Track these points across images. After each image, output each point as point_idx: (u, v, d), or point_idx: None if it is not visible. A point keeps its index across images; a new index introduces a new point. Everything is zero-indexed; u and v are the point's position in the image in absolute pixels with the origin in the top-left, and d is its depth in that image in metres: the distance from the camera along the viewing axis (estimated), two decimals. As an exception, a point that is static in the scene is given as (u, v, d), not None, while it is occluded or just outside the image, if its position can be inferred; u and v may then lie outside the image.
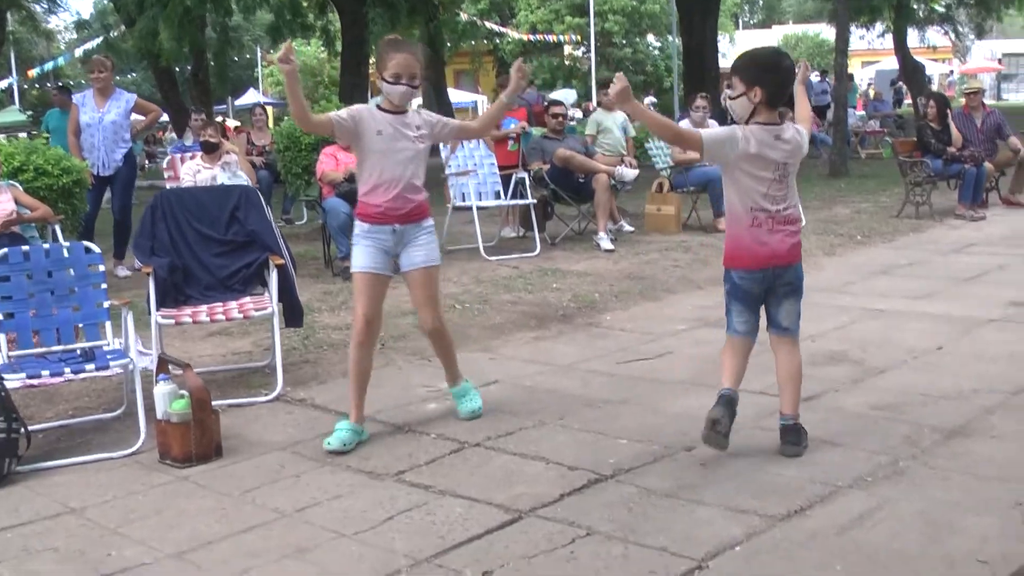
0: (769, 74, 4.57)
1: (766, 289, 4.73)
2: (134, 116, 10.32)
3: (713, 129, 5.04)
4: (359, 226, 5.18)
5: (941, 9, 29.90)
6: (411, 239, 5.23)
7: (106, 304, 5.74)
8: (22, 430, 4.90)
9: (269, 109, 32.39)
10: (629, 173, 11.06)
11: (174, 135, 30.94)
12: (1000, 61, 52.27)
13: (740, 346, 4.82)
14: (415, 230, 5.24)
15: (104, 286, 5.79)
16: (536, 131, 11.65)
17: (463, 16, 31.81)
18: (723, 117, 13.24)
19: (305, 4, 22.33)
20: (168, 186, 9.97)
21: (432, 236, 5.30)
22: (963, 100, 14.04)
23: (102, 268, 5.86)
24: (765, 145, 4.53)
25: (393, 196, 5.12)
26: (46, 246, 5.87)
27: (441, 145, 11.62)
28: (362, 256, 5.15)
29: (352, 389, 5.18)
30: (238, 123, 24.96)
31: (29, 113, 36.86)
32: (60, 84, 19.10)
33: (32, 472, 4.91)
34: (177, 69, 25.70)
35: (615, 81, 4.54)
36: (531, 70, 41.27)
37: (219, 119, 17.62)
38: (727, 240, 4.78)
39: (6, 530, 4.26)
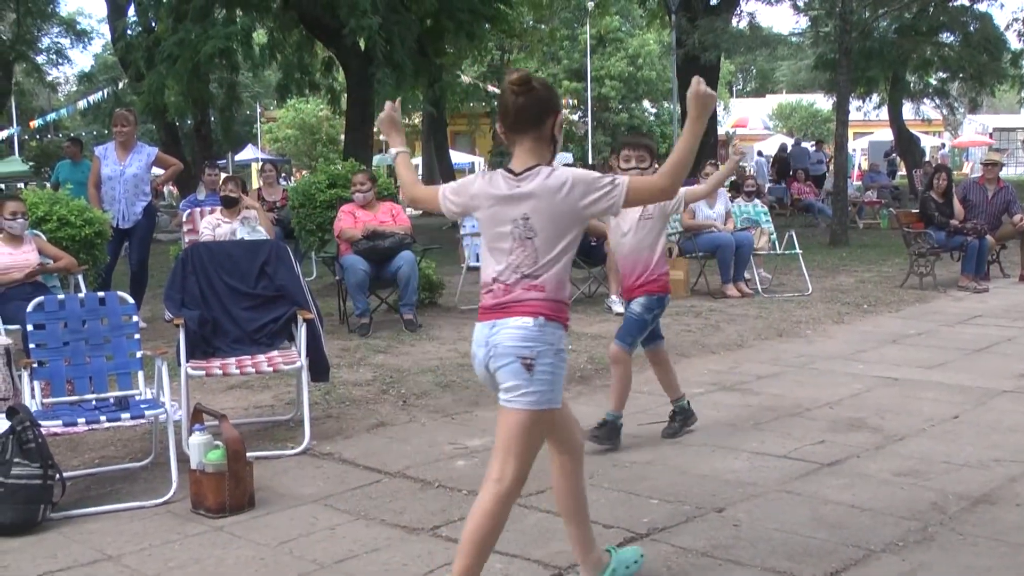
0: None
1: None
2: (154, 169, 10.44)
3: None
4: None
5: (935, 83, 30.28)
6: None
7: (139, 354, 5.81)
8: (57, 477, 4.95)
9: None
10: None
11: (173, 189, 31.16)
12: (991, 135, 52.86)
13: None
14: None
15: (137, 336, 5.87)
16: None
17: (465, 79, 32.14)
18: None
19: (311, 63, 22.61)
20: (187, 239, 10.05)
21: None
22: (980, 170, 14.26)
23: (136, 319, 5.94)
24: None
25: None
26: (81, 295, 5.95)
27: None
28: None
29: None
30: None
31: (31, 164, 37.02)
32: (72, 136, 19.27)
33: (65, 519, 4.95)
34: (178, 123, 25.92)
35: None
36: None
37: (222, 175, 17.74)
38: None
39: (46, 575, 4.29)
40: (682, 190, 5.94)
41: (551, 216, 3.53)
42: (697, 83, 3.65)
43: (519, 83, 3.56)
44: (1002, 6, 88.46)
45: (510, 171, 3.60)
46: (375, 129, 22.92)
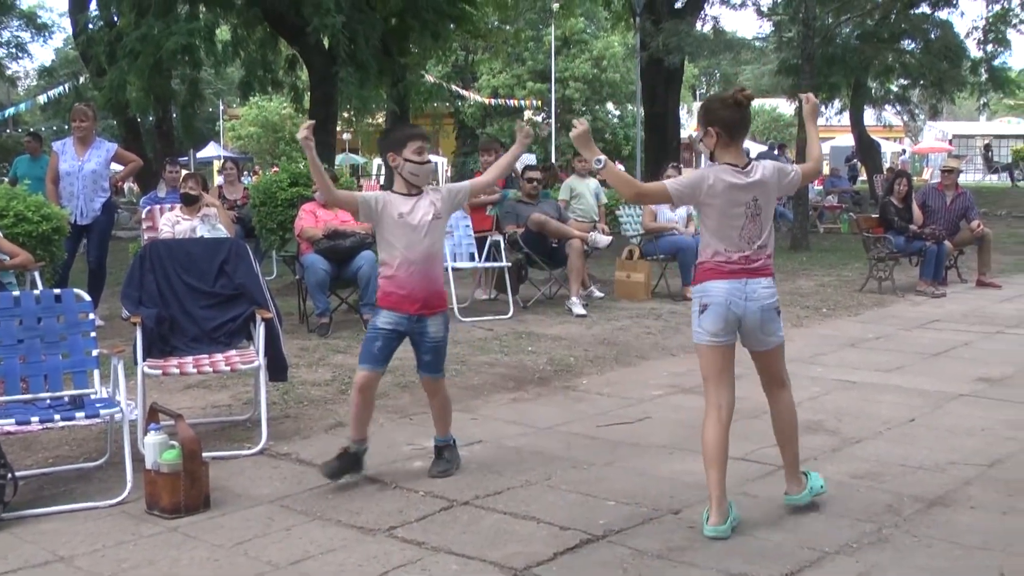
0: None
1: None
2: (113, 165, 10.34)
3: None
4: None
5: (896, 89, 30.52)
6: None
7: (95, 352, 5.75)
8: (9, 476, 4.89)
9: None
10: (603, 239, 11.23)
11: (134, 186, 30.87)
12: (951, 142, 53.37)
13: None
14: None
15: (93, 334, 5.81)
16: (511, 194, 11.79)
17: (429, 78, 32.06)
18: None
19: (274, 60, 22.48)
20: (146, 237, 9.97)
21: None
22: (938, 175, 14.40)
23: (92, 316, 5.88)
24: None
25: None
26: (37, 292, 5.88)
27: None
28: None
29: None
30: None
31: (-11, 158, 36.63)
32: (31, 131, 19.05)
33: (17, 519, 4.89)
34: (139, 119, 25.68)
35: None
36: (492, 131, 41.64)
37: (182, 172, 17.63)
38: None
39: (-4, 577, 4.25)
40: (467, 183, 6.00)
41: (769, 198, 4.69)
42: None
43: (750, 98, 4.65)
44: (962, 15, 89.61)
45: (735, 166, 4.62)
46: (338, 128, 22.84)
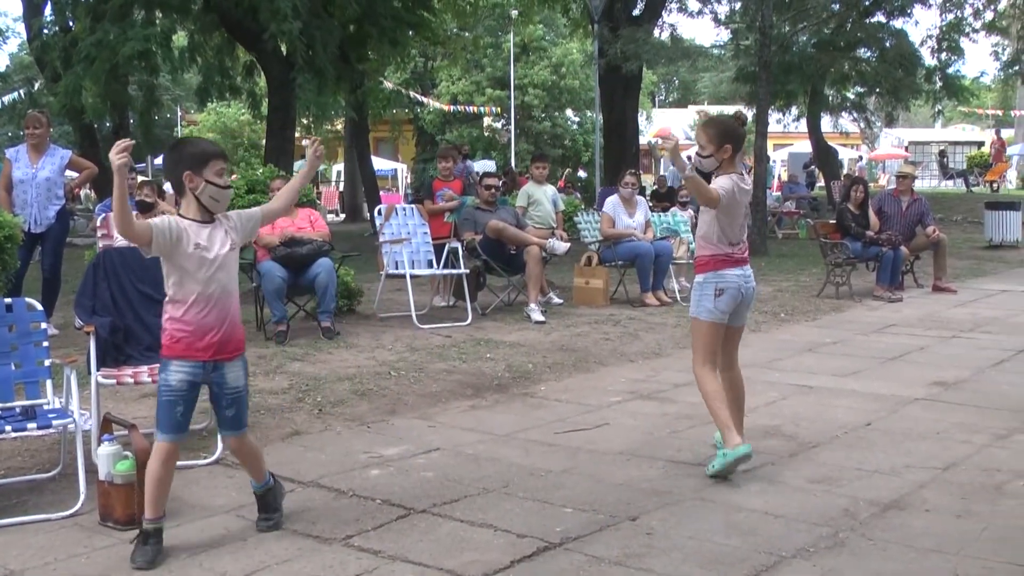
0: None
1: None
2: (68, 172, 10.23)
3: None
4: None
5: (853, 97, 30.80)
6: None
7: (48, 362, 5.67)
8: (-41, 488, 4.82)
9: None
10: (561, 246, 11.24)
11: (91, 192, 30.62)
12: (907, 148, 53.92)
13: None
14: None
15: (46, 344, 5.71)
16: (469, 201, 11.78)
17: (388, 85, 32.02)
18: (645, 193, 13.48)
19: (232, 66, 22.38)
20: (101, 244, 9.85)
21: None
22: (894, 182, 14.54)
23: (44, 326, 5.79)
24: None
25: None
26: (-13, 302, 5.79)
27: (377, 212, 11.74)
28: None
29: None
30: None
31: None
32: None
33: (-33, 532, 4.82)
34: (96, 126, 25.48)
35: (670, 138, 5.73)
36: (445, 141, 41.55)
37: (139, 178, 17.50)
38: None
39: (-56, 590, 4.18)
40: (258, 209, 5.02)
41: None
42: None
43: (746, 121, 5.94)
44: (917, 23, 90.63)
45: (741, 175, 5.66)
46: (296, 134, 22.75)
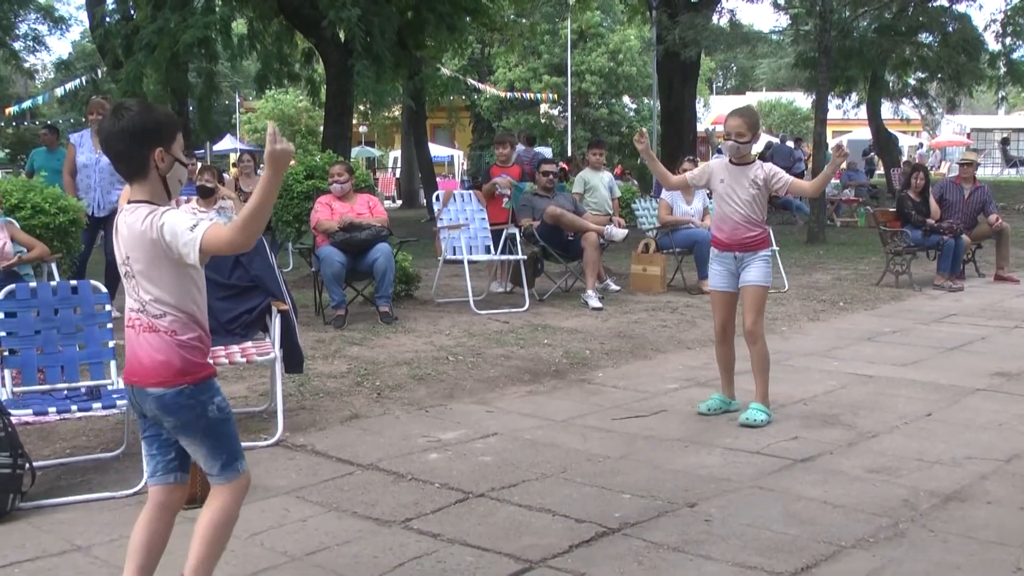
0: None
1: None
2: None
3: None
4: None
5: (914, 82, 30.37)
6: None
7: (112, 344, 5.76)
8: (27, 466, 4.91)
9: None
10: (619, 233, 11.21)
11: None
12: (968, 135, 53.12)
13: None
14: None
15: (110, 326, 5.82)
16: (527, 187, 11.78)
17: (445, 71, 32.05)
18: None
19: (291, 53, 22.51)
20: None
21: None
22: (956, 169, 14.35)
23: (108, 308, 5.89)
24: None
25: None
26: (54, 283, 5.89)
27: (435, 198, 11.80)
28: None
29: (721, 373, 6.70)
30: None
31: (6, 151, 36.72)
32: (48, 124, 19.11)
33: (35, 509, 4.91)
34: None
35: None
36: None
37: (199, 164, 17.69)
38: None
39: (13, 565, 4.26)
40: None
41: None
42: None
43: None
44: (980, 7, 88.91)
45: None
46: (354, 121, 22.85)
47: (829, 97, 21.67)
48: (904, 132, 43.85)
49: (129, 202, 3.45)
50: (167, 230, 3.29)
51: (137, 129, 3.39)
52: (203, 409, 3.46)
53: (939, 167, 45.56)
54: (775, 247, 11.97)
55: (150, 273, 3.38)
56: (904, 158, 35.32)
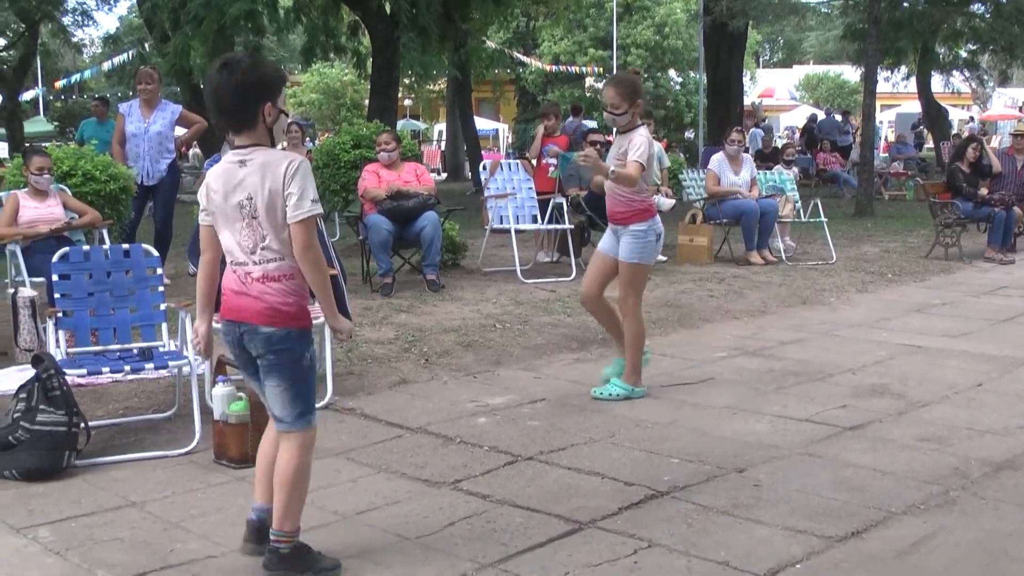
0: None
1: None
2: (178, 129, 10.43)
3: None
4: None
5: (965, 54, 29.90)
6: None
7: (163, 307, 5.83)
8: (82, 425, 4.98)
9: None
10: (667, 202, 11.17)
11: (199, 151, 31.20)
12: (1021, 109, 52.28)
13: None
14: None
15: (161, 289, 5.89)
16: (574, 157, 11.73)
17: (491, 44, 31.96)
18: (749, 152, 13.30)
19: (337, 26, 22.50)
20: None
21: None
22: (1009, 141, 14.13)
23: (160, 271, 5.96)
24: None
25: None
26: (106, 247, 5.96)
27: (481, 167, 11.77)
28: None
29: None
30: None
31: (56, 124, 37.06)
32: (99, 95, 19.26)
33: (90, 466, 4.99)
34: (203, 86, 25.86)
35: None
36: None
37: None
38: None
39: (70, 519, 4.33)
40: None
41: None
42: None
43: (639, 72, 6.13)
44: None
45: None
46: (400, 93, 22.83)
47: (878, 69, 21.41)
48: (954, 105, 43.25)
49: (238, 146, 3.64)
50: (298, 180, 3.57)
51: (248, 84, 3.56)
52: (300, 354, 3.71)
53: (991, 141, 44.92)
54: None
55: (272, 217, 3.60)
56: (954, 131, 34.86)
